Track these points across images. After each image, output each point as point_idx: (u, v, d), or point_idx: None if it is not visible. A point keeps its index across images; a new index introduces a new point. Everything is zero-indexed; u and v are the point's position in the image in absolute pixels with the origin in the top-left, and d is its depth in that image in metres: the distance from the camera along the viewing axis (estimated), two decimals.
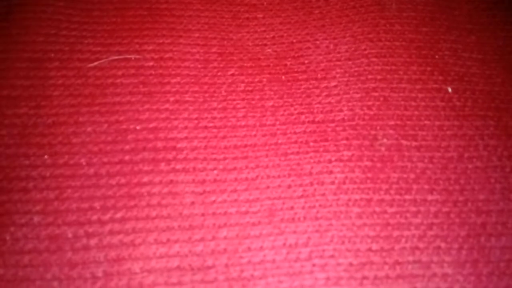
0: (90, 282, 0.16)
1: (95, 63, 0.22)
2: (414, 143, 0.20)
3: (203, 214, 0.18)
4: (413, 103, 0.21)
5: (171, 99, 0.21)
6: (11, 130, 0.19)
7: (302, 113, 0.21)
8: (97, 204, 0.18)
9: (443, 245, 0.17)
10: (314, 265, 0.17)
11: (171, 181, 0.19)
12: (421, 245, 0.17)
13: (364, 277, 0.17)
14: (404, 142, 0.20)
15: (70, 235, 0.17)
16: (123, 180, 0.18)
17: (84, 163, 0.19)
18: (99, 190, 0.18)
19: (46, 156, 0.19)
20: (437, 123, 0.21)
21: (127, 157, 0.19)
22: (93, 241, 0.17)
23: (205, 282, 0.16)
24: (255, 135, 0.20)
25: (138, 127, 0.20)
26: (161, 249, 0.17)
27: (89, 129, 0.20)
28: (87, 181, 0.18)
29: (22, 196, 0.18)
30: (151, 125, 0.20)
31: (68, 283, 0.16)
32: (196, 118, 0.21)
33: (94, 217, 0.17)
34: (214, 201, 0.18)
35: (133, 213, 0.18)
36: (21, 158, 0.19)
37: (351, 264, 0.17)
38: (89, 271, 0.16)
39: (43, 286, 0.16)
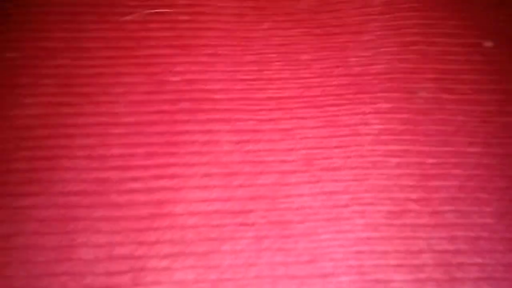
0: (135, 223, 0.16)
1: (130, 17, 0.21)
2: (453, 97, 0.20)
3: (240, 162, 0.18)
4: (452, 57, 0.21)
5: (207, 52, 0.20)
6: (54, 80, 0.19)
7: (337, 66, 0.20)
8: (139, 151, 0.18)
9: (483, 196, 0.17)
10: (352, 211, 0.16)
11: (209, 131, 0.18)
12: (460, 195, 0.17)
13: (403, 224, 0.16)
14: (444, 95, 0.20)
15: (115, 179, 0.17)
16: (163, 129, 0.18)
17: (125, 112, 0.19)
18: (141, 138, 0.18)
19: (88, 105, 0.19)
20: (476, 77, 0.20)
21: (165, 107, 0.19)
22: (137, 185, 0.17)
23: (245, 225, 0.16)
24: (290, 88, 0.20)
25: (175, 79, 0.20)
26: (201, 193, 0.17)
27: (127, 80, 0.20)
28: (129, 129, 0.18)
29: (68, 142, 0.18)
30: (188, 77, 0.20)
31: (115, 223, 0.16)
32: (231, 71, 0.20)
33: (137, 163, 0.17)
34: (251, 150, 0.18)
35: (174, 160, 0.17)
36: (64, 107, 0.19)
37: (389, 212, 0.17)
38: (134, 212, 0.16)
39: (90, 225, 0.16)
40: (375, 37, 0.21)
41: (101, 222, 0.16)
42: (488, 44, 0.21)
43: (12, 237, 0.15)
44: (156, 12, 0.21)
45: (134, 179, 0.17)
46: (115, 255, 0.15)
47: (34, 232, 0.16)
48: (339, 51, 0.21)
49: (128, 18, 0.21)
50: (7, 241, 0.15)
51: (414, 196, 0.17)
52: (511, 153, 0.18)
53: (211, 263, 0.15)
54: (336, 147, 0.18)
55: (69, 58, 0.20)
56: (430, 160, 0.18)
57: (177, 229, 0.16)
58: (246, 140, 0.18)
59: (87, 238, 0.16)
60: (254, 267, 0.15)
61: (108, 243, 0.16)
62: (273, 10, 0.22)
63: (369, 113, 0.19)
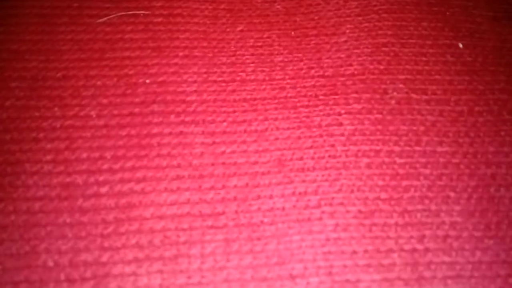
0: (101, 227, 0.15)
1: (104, 19, 0.21)
2: (424, 97, 0.19)
3: (213, 164, 0.17)
4: (424, 58, 0.20)
5: (180, 54, 0.20)
6: (20, 83, 0.19)
7: (311, 68, 0.20)
8: (107, 154, 0.17)
9: (452, 194, 0.17)
10: (323, 212, 0.16)
11: (181, 133, 0.18)
12: (430, 194, 0.17)
13: (373, 224, 0.16)
14: (414, 95, 0.19)
15: (80, 183, 0.16)
16: (133, 131, 0.18)
17: (94, 115, 0.18)
18: (110, 141, 0.17)
19: (56, 108, 0.18)
20: (447, 77, 0.20)
21: (137, 110, 0.18)
22: (103, 189, 0.16)
23: (215, 228, 0.16)
24: (264, 89, 0.19)
25: (147, 81, 0.19)
26: (171, 196, 0.16)
27: (98, 82, 0.19)
28: (98, 132, 0.18)
29: (33, 146, 0.17)
30: (161, 79, 0.19)
31: (79, 228, 0.15)
32: (205, 72, 0.20)
33: (105, 166, 0.17)
34: (223, 152, 0.18)
35: (144, 163, 0.17)
36: (31, 110, 0.18)
37: (360, 212, 0.16)
38: (100, 217, 0.16)
39: (55, 231, 0.15)
40: (349, 39, 0.21)
41: (65, 227, 0.15)
42: (461, 45, 0.21)
43: None
44: (131, 14, 0.21)
45: (101, 183, 0.16)
46: (78, 262, 0.15)
47: None
48: (313, 53, 0.20)
49: (102, 20, 0.21)
50: None
51: (384, 195, 0.17)
52: (481, 152, 0.18)
53: (179, 267, 0.15)
54: (308, 148, 0.18)
55: (38, 61, 0.19)
56: (401, 160, 0.18)
57: (145, 233, 0.15)
58: (219, 142, 0.18)
59: (50, 244, 0.15)
60: (223, 271, 0.15)
61: (71, 249, 0.15)
62: (248, 12, 0.21)
63: (342, 114, 0.19)
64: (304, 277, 0.15)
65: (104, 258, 0.15)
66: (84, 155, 0.17)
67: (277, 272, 0.15)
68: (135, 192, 0.16)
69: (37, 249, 0.15)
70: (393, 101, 0.19)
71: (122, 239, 0.15)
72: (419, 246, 0.16)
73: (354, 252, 0.15)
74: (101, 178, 0.17)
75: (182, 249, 0.15)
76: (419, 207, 0.16)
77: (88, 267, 0.15)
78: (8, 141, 0.17)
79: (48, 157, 0.17)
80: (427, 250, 0.16)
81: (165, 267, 0.15)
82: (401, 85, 0.20)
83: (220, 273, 0.15)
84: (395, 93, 0.20)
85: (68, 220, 0.16)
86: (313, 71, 0.20)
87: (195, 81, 0.20)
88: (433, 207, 0.17)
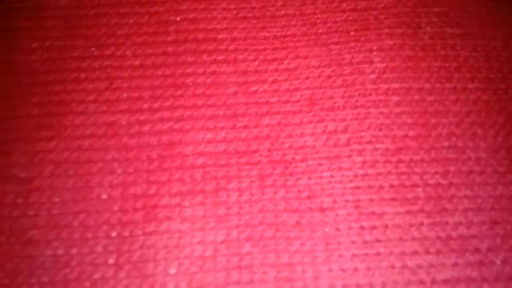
0: (146, 164, 0.16)
1: None
2: (458, 31, 0.19)
3: (246, 103, 0.17)
4: None
5: None
6: (56, 23, 0.19)
7: (343, 1, 0.19)
8: (145, 94, 0.18)
9: (479, 131, 0.17)
10: (352, 150, 0.17)
11: (214, 72, 0.18)
12: (457, 131, 0.17)
13: (400, 161, 0.16)
14: (448, 30, 0.19)
15: (124, 122, 0.17)
16: (168, 71, 0.18)
17: (130, 55, 0.18)
18: (147, 81, 0.18)
19: (93, 48, 0.18)
20: (484, 9, 0.19)
21: (170, 49, 0.18)
22: (145, 128, 0.17)
23: (250, 164, 0.16)
24: (294, 25, 0.19)
25: (178, 18, 0.19)
26: (208, 135, 0.17)
27: (130, 21, 0.19)
28: (134, 72, 0.18)
29: (75, 87, 0.18)
30: (191, 16, 0.19)
31: (127, 164, 0.16)
32: (234, 8, 0.19)
33: (145, 106, 0.17)
34: (256, 91, 0.18)
35: (181, 102, 0.17)
36: (69, 50, 0.18)
37: (387, 149, 0.17)
38: (145, 154, 0.17)
39: (105, 167, 0.16)
40: None
41: (113, 163, 0.16)
42: None
43: (31, 180, 0.16)
44: None
45: (142, 122, 0.17)
46: (129, 195, 0.16)
47: (50, 175, 0.16)
48: None
49: None
50: (26, 184, 0.16)
51: (412, 133, 0.17)
52: None
53: (219, 200, 0.16)
54: (339, 86, 0.18)
55: None
56: (430, 98, 0.17)
57: (187, 169, 0.16)
58: (251, 81, 0.18)
59: (101, 179, 0.16)
60: (258, 203, 0.16)
61: (121, 183, 0.16)
62: None
63: (374, 50, 0.18)
64: (333, 209, 0.16)
65: (152, 191, 0.16)
66: (124, 95, 0.18)
67: (308, 205, 0.16)
68: (174, 130, 0.17)
69: (90, 183, 0.16)
70: (426, 36, 0.19)
71: (166, 174, 0.16)
72: (443, 181, 0.16)
73: (381, 187, 0.16)
74: (142, 118, 0.17)
75: (221, 183, 0.16)
76: (446, 144, 0.17)
77: (138, 199, 0.16)
78: (51, 82, 0.18)
79: (91, 97, 0.18)
80: (450, 184, 0.16)
81: (207, 200, 0.16)
82: (435, 19, 0.19)
83: (256, 205, 0.16)
84: (428, 28, 0.19)
85: (116, 157, 0.16)
86: (344, 4, 0.19)
87: (225, 18, 0.19)
88: (459, 143, 0.17)
